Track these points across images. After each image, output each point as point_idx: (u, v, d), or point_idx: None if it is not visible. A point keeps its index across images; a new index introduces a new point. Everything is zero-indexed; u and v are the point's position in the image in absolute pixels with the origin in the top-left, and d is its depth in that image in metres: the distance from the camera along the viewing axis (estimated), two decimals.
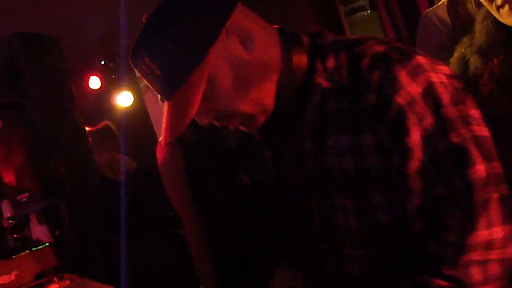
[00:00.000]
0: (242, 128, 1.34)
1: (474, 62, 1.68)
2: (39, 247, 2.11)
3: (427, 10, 2.27)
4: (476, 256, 1.09)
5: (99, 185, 3.36)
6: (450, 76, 1.16)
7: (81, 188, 3.38)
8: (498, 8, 1.69)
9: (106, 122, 4.04)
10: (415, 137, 1.11)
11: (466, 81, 1.69)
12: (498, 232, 1.10)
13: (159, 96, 1.34)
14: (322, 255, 1.32)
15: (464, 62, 1.70)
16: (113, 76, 5.45)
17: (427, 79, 1.13)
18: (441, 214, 1.13)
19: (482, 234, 1.09)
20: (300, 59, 1.30)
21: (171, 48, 1.20)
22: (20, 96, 3.12)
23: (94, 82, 5.30)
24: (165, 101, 1.27)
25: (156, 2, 1.26)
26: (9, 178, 3.01)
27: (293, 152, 1.34)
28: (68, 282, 2.05)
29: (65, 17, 4.24)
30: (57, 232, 2.96)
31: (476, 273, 1.09)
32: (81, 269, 2.57)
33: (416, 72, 1.14)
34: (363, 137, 1.17)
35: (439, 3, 2.24)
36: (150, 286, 3.58)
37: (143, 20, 1.23)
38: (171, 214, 2.09)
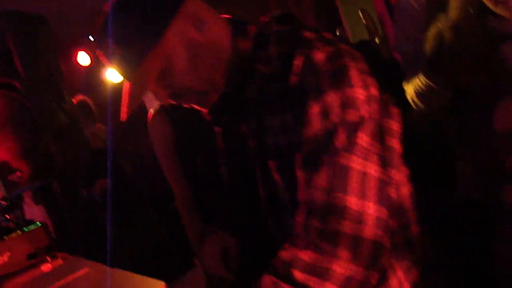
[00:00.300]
0: (196, 106, 1.50)
1: (449, 37, 1.73)
2: (31, 227, 2.12)
3: None
4: (346, 227, 1.19)
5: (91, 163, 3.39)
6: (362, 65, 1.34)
7: (73, 164, 3.40)
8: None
9: (81, 97, 4.06)
10: (314, 111, 1.28)
11: (442, 55, 1.74)
12: (372, 208, 1.20)
13: None
14: (270, 229, 1.44)
15: (440, 37, 1.75)
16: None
17: (341, 63, 1.30)
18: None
19: (352, 200, 1.20)
20: (245, 46, 1.46)
21: (132, 29, 1.34)
22: (10, 75, 3.11)
23: (83, 58, 5.28)
24: (125, 78, 1.42)
25: None
26: (0, 158, 3.01)
27: (239, 131, 1.49)
28: (61, 261, 2.07)
29: None
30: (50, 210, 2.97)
31: (344, 248, 1.18)
32: (74, 247, 2.59)
33: (333, 57, 1.31)
34: (287, 116, 1.34)
35: None
36: (143, 261, 3.62)
37: (104, 9, 1.37)
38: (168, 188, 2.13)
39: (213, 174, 1.65)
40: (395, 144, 1.41)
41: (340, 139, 1.23)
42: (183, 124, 1.91)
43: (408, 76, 2.17)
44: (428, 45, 1.76)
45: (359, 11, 3.92)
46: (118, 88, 4.27)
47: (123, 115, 1.42)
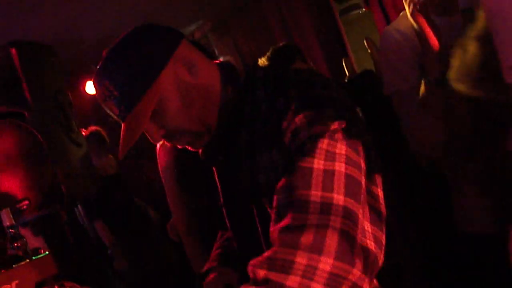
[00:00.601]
0: (188, 147, 1.59)
1: (473, 48, 1.72)
2: (39, 256, 2.12)
3: (387, 26, 2.27)
4: (311, 220, 1.22)
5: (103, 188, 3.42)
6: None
7: (81, 195, 3.40)
8: None
9: (94, 127, 4.10)
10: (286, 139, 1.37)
11: (465, 67, 1.73)
12: (338, 199, 1.23)
13: None
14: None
15: (463, 50, 1.74)
16: None
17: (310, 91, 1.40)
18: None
19: (314, 194, 1.24)
20: (234, 90, 1.56)
21: (127, 73, 1.42)
22: (18, 104, 3.12)
23: (91, 87, 5.31)
24: (121, 120, 1.50)
25: (147, 11, 1.46)
26: (8, 186, 3.01)
27: (234, 169, 1.55)
28: None
29: (61, 25, 4.27)
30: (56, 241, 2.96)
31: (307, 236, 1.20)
32: (82, 277, 2.58)
33: (306, 88, 1.41)
34: (273, 152, 1.41)
35: (398, 18, 2.24)
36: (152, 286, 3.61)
37: (103, 54, 1.47)
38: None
39: (212, 205, 1.75)
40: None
41: (306, 148, 1.31)
42: (185, 157, 2.02)
43: (402, 114, 2.15)
44: (456, 58, 1.75)
45: (364, 40, 3.95)
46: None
47: (120, 154, 1.49)
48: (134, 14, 4.54)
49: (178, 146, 1.59)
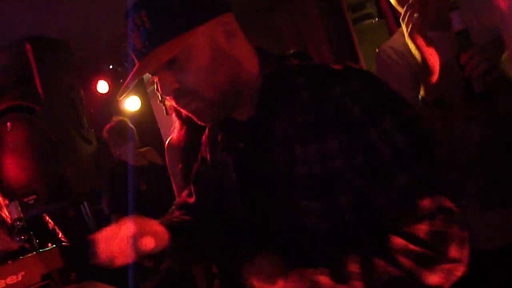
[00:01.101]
0: (193, 115, 1.45)
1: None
2: (46, 249, 2.13)
3: (382, 45, 2.25)
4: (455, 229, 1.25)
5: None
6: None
7: (89, 191, 3.42)
8: None
9: (118, 117, 4.11)
10: (373, 136, 1.30)
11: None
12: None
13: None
14: (290, 256, 1.40)
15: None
16: (121, 81, 5.47)
17: (378, 87, 1.37)
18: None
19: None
20: (273, 75, 1.47)
21: (169, 10, 1.35)
22: (30, 99, 3.15)
23: (102, 86, 5.32)
24: (138, 58, 1.39)
25: None
26: (17, 179, 3.03)
27: (262, 159, 1.46)
28: (74, 284, 2.07)
29: (76, 21, 4.28)
30: (61, 235, 2.97)
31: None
32: (87, 271, 2.58)
33: (370, 83, 1.37)
34: (329, 142, 1.33)
35: (394, 36, 2.23)
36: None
37: None
38: None
39: (223, 201, 1.64)
40: None
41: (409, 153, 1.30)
42: (192, 152, 1.89)
43: None
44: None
45: (376, 49, 3.95)
46: (135, 117, 4.30)
47: (121, 92, 1.40)
48: None
49: (183, 111, 1.47)
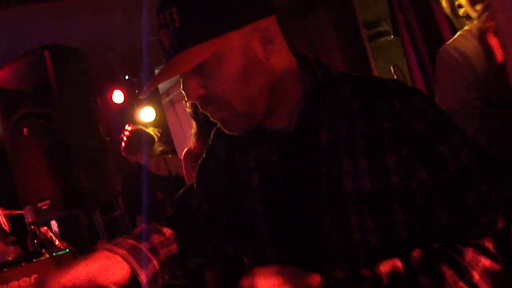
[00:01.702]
0: (219, 123, 1.37)
1: None
2: (60, 253, 2.15)
3: (445, 44, 2.22)
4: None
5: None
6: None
7: (102, 200, 3.45)
8: None
9: (135, 126, 4.16)
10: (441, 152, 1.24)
11: None
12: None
13: (180, 112, 1.42)
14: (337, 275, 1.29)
15: None
16: (137, 91, 5.52)
17: (435, 106, 1.31)
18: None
19: None
20: (314, 85, 1.38)
21: (201, 11, 1.24)
22: (46, 106, 3.18)
23: (118, 96, 5.37)
24: (165, 58, 1.31)
25: None
26: (32, 185, 3.06)
27: (304, 173, 1.37)
28: None
29: (93, 32, 4.34)
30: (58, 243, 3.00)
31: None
32: None
33: (429, 100, 1.30)
34: (386, 157, 1.25)
35: (455, 36, 2.22)
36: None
37: None
38: None
39: (241, 210, 1.51)
40: None
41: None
42: (210, 155, 1.76)
43: None
44: None
45: (391, 66, 3.96)
46: (150, 127, 4.32)
47: (146, 90, 1.37)
48: None
49: (210, 116, 1.37)
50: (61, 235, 3.81)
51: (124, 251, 1.38)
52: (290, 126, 1.38)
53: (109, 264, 1.32)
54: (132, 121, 5.29)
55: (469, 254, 1.17)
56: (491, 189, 1.22)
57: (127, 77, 5.47)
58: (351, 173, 1.28)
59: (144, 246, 1.44)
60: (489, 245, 1.17)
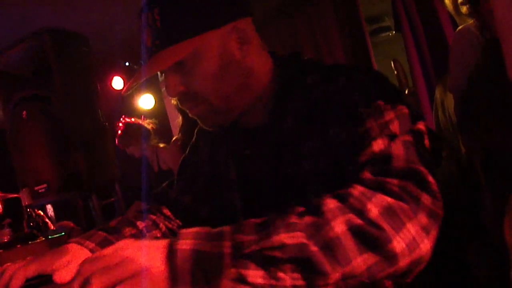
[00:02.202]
0: (197, 119, 1.45)
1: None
2: (55, 236, 2.16)
3: (463, 26, 2.23)
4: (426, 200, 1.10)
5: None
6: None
7: (99, 185, 3.45)
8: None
9: (129, 119, 4.17)
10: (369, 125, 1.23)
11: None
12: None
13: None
14: None
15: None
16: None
17: (385, 84, 1.33)
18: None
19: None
20: (286, 78, 1.45)
21: (181, 12, 1.31)
22: (45, 89, 3.18)
23: (118, 83, 5.37)
24: (147, 56, 1.36)
25: None
26: (29, 168, 3.07)
27: (269, 159, 1.42)
28: None
29: (94, 17, 4.33)
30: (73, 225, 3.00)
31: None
32: None
33: (376, 78, 1.34)
34: (331, 133, 1.30)
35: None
36: None
37: None
38: None
39: (219, 199, 1.57)
40: None
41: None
42: (192, 152, 1.80)
43: (459, 113, 2.12)
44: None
45: (391, 61, 3.96)
46: (148, 115, 4.33)
47: (128, 87, 1.40)
48: None
49: (189, 112, 1.44)
50: (57, 220, 3.82)
51: (94, 245, 1.41)
52: (263, 121, 1.44)
53: (75, 258, 1.33)
54: (131, 107, 5.28)
55: (361, 188, 1.09)
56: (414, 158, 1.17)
57: (127, 63, 5.46)
58: (308, 154, 1.33)
59: (115, 239, 1.46)
60: (391, 180, 1.10)
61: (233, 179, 1.54)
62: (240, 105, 1.42)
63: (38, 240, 2.13)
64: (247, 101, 1.43)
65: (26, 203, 2.53)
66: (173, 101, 2.98)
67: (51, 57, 3.20)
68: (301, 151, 1.35)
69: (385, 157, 1.16)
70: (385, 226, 1.00)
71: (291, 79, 1.44)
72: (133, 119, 4.40)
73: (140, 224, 1.61)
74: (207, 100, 1.37)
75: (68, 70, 3.27)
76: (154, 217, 1.65)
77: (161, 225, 1.64)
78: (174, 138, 3.34)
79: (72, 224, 4.25)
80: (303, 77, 1.43)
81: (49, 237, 2.15)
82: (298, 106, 1.39)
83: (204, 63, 1.34)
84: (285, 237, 0.98)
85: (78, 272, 1.01)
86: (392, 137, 1.20)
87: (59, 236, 2.14)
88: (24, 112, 3.13)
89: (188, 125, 3.04)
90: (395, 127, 1.22)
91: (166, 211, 1.68)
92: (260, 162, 1.47)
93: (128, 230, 1.55)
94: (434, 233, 1.07)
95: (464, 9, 2.31)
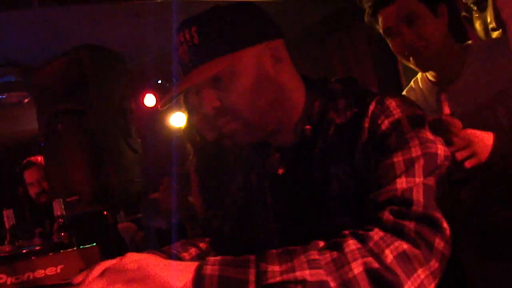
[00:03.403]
0: (229, 135, 1.49)
1: None
2: (86, 246, 2.19)
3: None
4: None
5: None
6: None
7: (129, 200, 3.49)
8: None
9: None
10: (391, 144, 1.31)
11: None
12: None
13: None
14: None
15: None
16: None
17: (412, 108, 1.39)
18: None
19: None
20: (318, 100, 1.50)
21: (219, 29, 1.38)
22: (81, 103, 3.24)
23: (150, 100, 5.42)
24: (184, 72, 1.42)
25: None
26: (62, 179, 3.12)
27: (301, 181, 1.48)
28: None
29: (129, 34, 4.42)
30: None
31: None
32: None
33: (401, 104, 1.37)
34: (358, 159, 1.36)
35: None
36: None
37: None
38: None
39: (251, 225, 1.63)
40: None
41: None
42: (225, 188, 1.85)
43: None
44: None
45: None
46: (180, 133, 4.36)
47: (165, 100, 1.46)
48: None
49: (221, 130, 1.49)
50: (85, 232, 3.86)
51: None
52: (295, 141, 1.50)
53: None
54: (163, 125, 5.33)
55: (380, 233, 1.16)
56: (428, 188, 1.24)
57: (159, 81, 5.53)
58: (336, 177, 1.38)
59: None
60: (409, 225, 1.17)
61: (268, 203, 1.57)
62: (273, 122, 1.47)
63: (69, 250, 2.17)
64: (280, 118, 1.47)
65: (58, 213, 2.58)
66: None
67: (87, 73, 3.26)
68: (330, 172, 1.40)
69: (406, 200, 1.21)
70: (399, 271, 1.09)
71: (323, 102, 1.49)
72: None
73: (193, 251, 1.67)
74: (241, 115, 1.42)
75: (103, 86, 3.33)
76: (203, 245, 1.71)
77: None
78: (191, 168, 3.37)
79: (135, 227, 4.27)
80: (334, 101, 1.47)
81: (81, 247, 2.18)
82: (329, 129, 1.44)
83: (239, 79, 1.39)
84: (307, 274, 1.06)
85: (103, 280, 1.09)
86: (416, 179, 1.24)
87: (90, 246, 2.18)
88: (59, 125, 3.19)
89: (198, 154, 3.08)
90: (420, 167, 1.26)
91: (192, 251, 1.70)
92: (292, 182, 1.51)
93: (187, 254, 1.64)
94: (440, 275, 1.16)
95: (495, 34, 2.31)
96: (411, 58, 2.11)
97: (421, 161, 1.27)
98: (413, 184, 1.24)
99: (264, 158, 1.59)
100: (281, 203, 1.55)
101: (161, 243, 1.78)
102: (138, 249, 3.50)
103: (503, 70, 1.93)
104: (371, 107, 1.38)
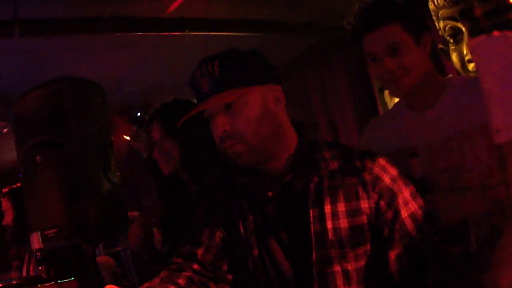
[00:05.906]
0: (234, 156, 1.82)
1: None
2: (65, 280, 2.17)
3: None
4: None
5: None
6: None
7: (107, 233, 3.43)
8: None
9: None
10: (400, 201, 1.80)
11: None
12: None
13: None
14: None
15: None
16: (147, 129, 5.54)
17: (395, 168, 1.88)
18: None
19: None
20: (307, 146, 1.86)
21: (236, 65, 1.71)
22: (60, 135, 3.20)
23: (128, 132, 5.40)
24: (201, 100, 1.80)
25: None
26: (40, 212, 3.07)
27: (297, 217, 1.80)
28: None
29: (111, 68, 4.42)
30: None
31: None
32: None
33: (389, 162, 1.87)
34: (360, 202, 1.75)
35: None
36: None
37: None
38: None
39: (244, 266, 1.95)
40: None
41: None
42: (209, 216, 2.17)
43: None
44: None
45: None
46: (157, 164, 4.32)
47: (188, 115, 1.80)
48: (179, 71, 4.66)
49: (227, 150, 1.83)
50: (63, 266, 3.79)
51: None
52: (284, 171, 1.84)
53: None
54: (140, 158, 5.31)
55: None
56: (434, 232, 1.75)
57: (138, 114, 5.53)
58: (332, 215, 1.69)
59: None
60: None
61: (251, 229, 1.91)
62: (271, 149, 1.82)
63: (47, 284, 2.13)
64: (276, 147, 1.82)
65: (36, 246, 2.54)
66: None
67: (67, 104, 3.23)
68: (324, 213, 1.72)
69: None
70: None
71: (312, 149, 1.85)
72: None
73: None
74: (246, 139, 1.77)
75: (83, 118, 3.30)
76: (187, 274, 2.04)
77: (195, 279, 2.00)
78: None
79: (113, 261, 4.21)
80: (322, 150, 1.86)
81: (59, 281, 2.15)
82: (321, 174, 1.78)
83: (249, 108, 1.74)
84: None
85: None
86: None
87: (69, 281, 2.15)
88: (38, 157, 3.14)
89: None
90: (414, 204, 1.84)
91: (196, 267, 2.04)
92: (281, 211, 1.84)
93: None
94: None
95: (471, 66, 2.36)
96: (390, 84, 2.16)
97: (410, 205, 1.85)
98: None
99: (256, 182, 1.89)
100: (267, 232, 1.90)
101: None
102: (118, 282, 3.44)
103: (475, 107, 1.95)
104: (366, 163, 1.80)
